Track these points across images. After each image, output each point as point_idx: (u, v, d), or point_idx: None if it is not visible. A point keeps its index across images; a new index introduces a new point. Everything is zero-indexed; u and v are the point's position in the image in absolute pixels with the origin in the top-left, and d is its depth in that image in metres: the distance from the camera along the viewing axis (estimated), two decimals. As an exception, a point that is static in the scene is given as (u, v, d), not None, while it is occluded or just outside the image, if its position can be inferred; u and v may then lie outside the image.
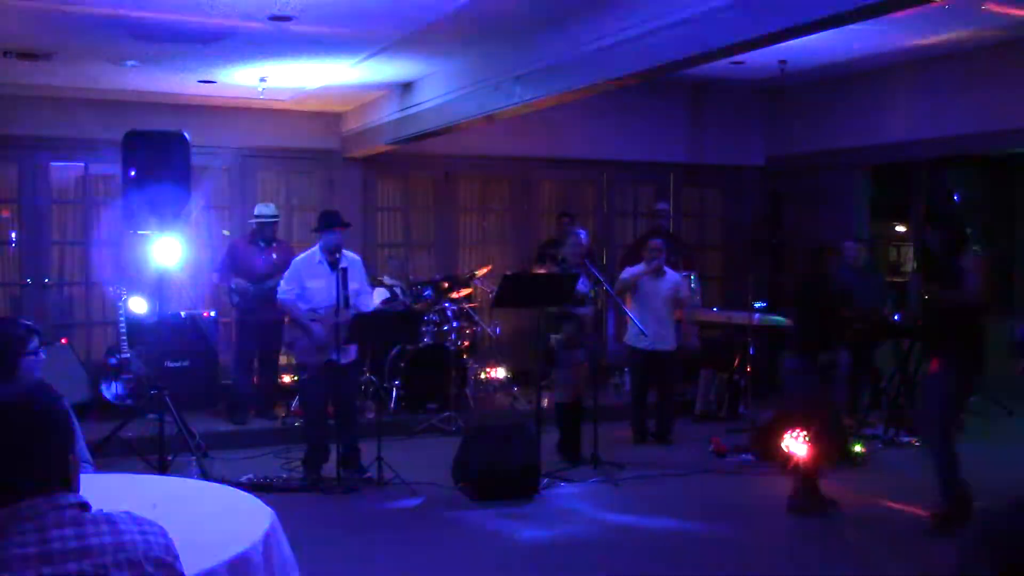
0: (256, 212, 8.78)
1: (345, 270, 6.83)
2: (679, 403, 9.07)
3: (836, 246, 8.38)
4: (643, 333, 7.90)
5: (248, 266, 8.60)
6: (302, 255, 7.22)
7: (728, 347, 9.73)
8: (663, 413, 8.49)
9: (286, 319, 7.26)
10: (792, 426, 6.43)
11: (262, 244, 8.70)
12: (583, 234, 7.90)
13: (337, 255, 6.83)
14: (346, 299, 6.80)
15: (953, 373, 6.00)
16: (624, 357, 8.95)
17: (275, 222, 8.83)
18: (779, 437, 7.32)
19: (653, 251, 8.35)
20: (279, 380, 9.16)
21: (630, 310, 8.13)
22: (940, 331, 6.13)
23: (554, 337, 7.58)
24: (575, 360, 7.64)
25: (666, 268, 8.45)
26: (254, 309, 8.46)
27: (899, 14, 6.09)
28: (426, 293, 9.03)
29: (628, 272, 8.41)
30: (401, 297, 9.28)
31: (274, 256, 8.62)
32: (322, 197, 10.35)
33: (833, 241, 8.60)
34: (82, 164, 9.66)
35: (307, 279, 6.99)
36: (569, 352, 7.60)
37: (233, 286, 8.55)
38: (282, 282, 7.17)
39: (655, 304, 8.28)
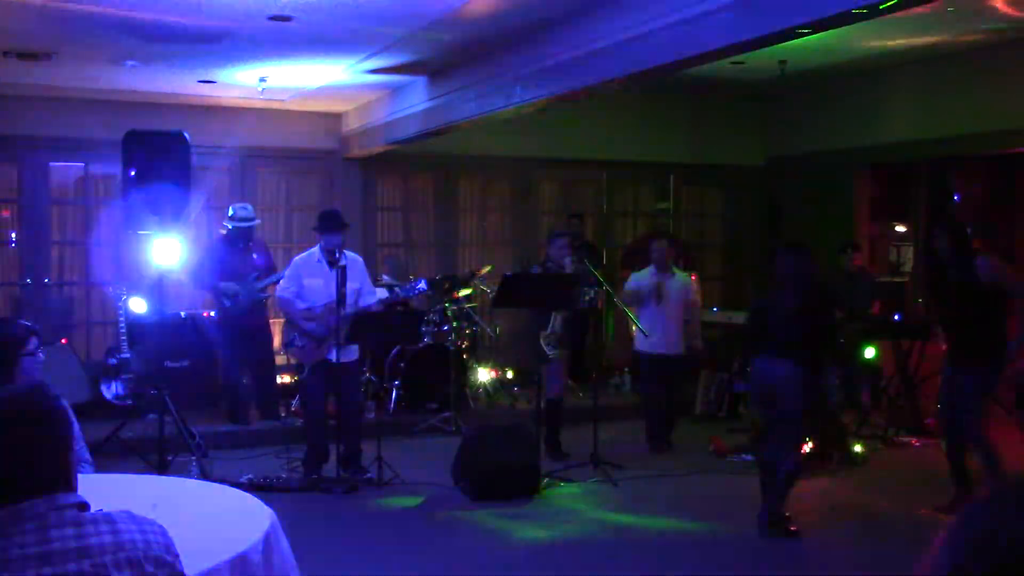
0: (232, 214, 8.41)
1: (344, 268, 6.83)
2: (679, 404, 9.04)
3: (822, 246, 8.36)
4: (644, 333, 7.86)
5: (233, 269, 8.35)
6: (302, 254, 7.23)
7: (728, 347, 9.73)
8: (666, 417, 8.22)
9: (274, 319, 7.24)
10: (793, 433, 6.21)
11: (241, 246, 8.44)
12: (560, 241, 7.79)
13: (336, 254, 6.84)
14: (343, 297, 6.79)
15: (986, 371, 6.04)
16: (631, 361, 8.65)
17: (253, 224, 8.50)
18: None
19: (661, 251, 8.09)
20: (278, 380, 9.15)
21: (638, 313, 7.97)
22: (968, 329, 6.12)
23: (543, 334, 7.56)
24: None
25: (675, 269, 8.23)
26: (244, 311, 8.40)
27: (899, 14, 6.08)
28: (419, 287, 8.95)
29: (635, 283, 8.15)
30: (399, 295, 9.26)
31: (255, 256, 8.49)
32: (322, 197, 10.36)
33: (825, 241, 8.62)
34: (82, 164, 9.67)
35: (305, 277, 7.01)
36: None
37: (223, 290, 8.36)
38: (281, 280, 7.19)
39: (666, 307, 8.03)
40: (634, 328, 8.13)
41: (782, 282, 5.97)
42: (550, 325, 7.54)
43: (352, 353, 7.07)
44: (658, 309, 8.00)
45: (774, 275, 6.09)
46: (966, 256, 6.03)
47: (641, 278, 8.19)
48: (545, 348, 7.55)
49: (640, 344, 8.16)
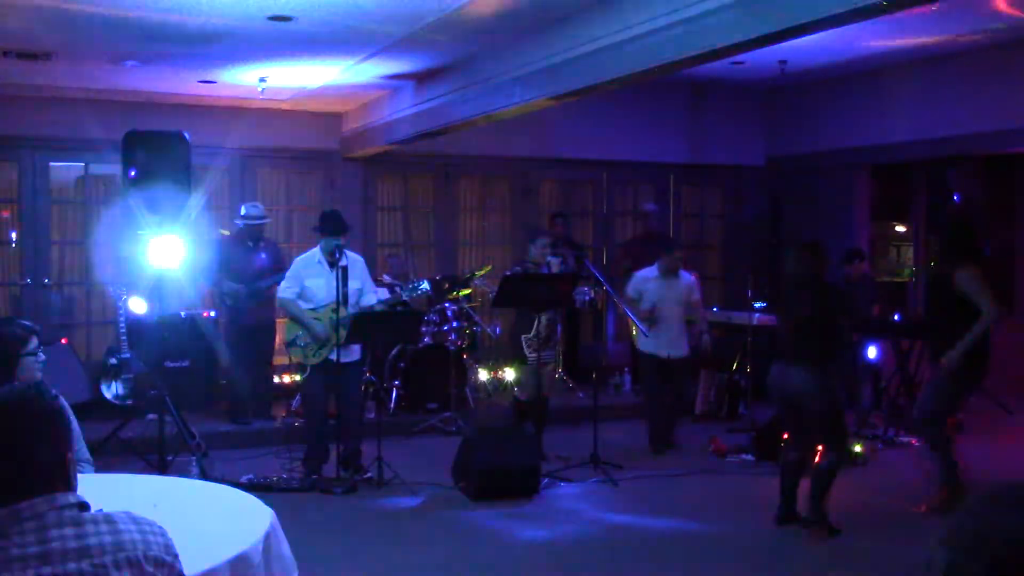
0: (244, 212, 8.50)
1: (345, 268, 6.84)
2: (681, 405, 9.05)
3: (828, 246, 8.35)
4: (644, 333, 7.84)
5: (239, 268, 8.42)
6: (303, 255, 7.23)
7: (728, 347, 9.73)
8: (669, 418, 8.22)
9: (279, 319, 7.24)
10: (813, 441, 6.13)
11: (251, 244, 8.51)
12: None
13: (336, 255, 6.84)
14: (345, 297, 6.81)
15: (955, 374, 6.06)
16: (635, 361, 8.67)
17: (263, 223, 8.58)
18: (780, 438, 7.33)
19: (677, 260, 8.07)
20: (277, 380, 9.13)
21: (641, 316, 7.92)
22: (943, 334, 6.15)
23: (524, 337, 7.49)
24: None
25: (682, 271, 8.15)
26: (246, 310, 8.41)
27: (899, 14, 6.08)
28: (421, 288, 8.95)
29: (640, 283, 8.13)
30: (401, 296, 9.26)
31: (263, 255, 8.51)
32: (322, 197, 10.36)
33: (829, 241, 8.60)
34: (82, 164, 9.67)
35: (307, 278, 7.01)
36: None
37: (225, 289, 8.40)
38: (283, 281, 7.21)
39: (669, 309, 8.00)
40: (634, 329, 8.13)
41: (795, 283, 5.92)
42: (534, 327, 7.47)
43: (353, 353, 7.08)
44: (659, 312, 7.95)
45: (786, 276, 6.05)
46: (952, 257, 6.09)
47: (644, 279, 8.13)
48: (526, 351, 7.50)
49: (643, 345, 8.12)
